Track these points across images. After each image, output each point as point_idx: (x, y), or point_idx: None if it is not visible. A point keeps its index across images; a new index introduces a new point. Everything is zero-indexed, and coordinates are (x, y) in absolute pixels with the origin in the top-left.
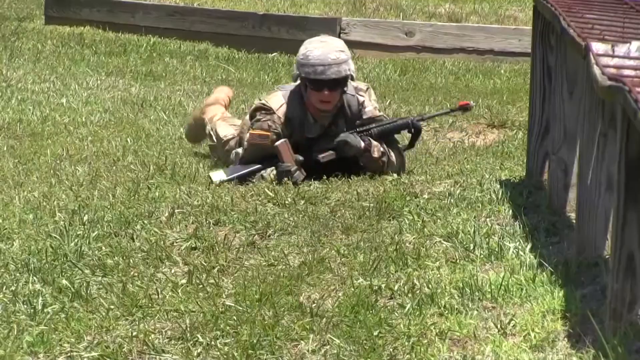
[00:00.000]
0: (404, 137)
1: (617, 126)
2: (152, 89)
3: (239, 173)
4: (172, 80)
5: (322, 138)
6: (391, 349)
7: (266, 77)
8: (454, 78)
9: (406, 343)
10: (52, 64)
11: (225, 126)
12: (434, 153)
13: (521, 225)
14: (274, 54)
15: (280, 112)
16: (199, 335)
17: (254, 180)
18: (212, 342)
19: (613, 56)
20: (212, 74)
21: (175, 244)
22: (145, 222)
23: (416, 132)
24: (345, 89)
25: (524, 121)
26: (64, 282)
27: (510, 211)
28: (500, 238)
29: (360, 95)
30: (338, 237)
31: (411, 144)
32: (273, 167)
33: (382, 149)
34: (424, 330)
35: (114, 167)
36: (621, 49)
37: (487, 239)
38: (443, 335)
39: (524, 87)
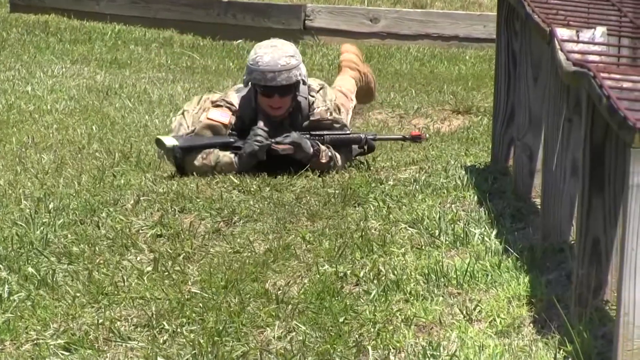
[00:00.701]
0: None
1: (582, 112)
2: (117, 76)
3: (196, 143)
4: (137, 67)
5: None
6: (357, 335)
7: (231, 64)
8: (419, 64)
9: (372, 329)
10: (17, 52)
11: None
12: None
13: (486, 211)
14: (239, 41)
15: (237, 107)
16: (164, 323)
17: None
18: (178, 329)
19: (578, 42)
20: (177, 61)
21: (140, 231)
22: (111, 209)
23: (368, 150)
24: (297, 92)
25: (489, 107)
26: (30, 269)
27: (476, 197)
28: (465, 224)
29: (312, 96)
30: (303, 223)
31: (361, 154)
32: (229, 152)
33: (329, 154)
34: (389, 317)
35: (79, 155)
36: (586, 35)
37: (452, 225)
38: (409, 322)
39: (489, 73)
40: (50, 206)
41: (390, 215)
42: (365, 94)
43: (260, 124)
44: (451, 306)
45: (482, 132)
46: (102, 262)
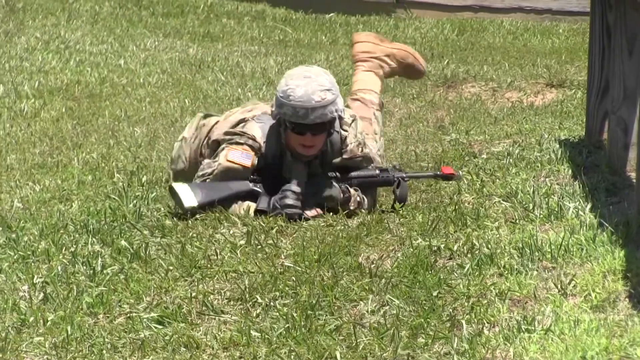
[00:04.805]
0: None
1: None
2: (209, 50)
3: (214, 198)
4: (229, 41)
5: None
6: (451, 310)
7: (323, 37)
8: (512, 38)
9: (466, 303)
10: (110, 26)
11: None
12: (492, 112)
13: (581, 185)
14: (331, 14)
15: (261, 142)
16: (257, 296)
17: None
18: (271, 303)
19: None
20: (269, 34)
21: None
22: None
23: (402, 192)
24: (332, 130)
25: (583, 80)
26: (123, 243)
27: (570, 171)
28: (559, 198)
29: (344, 130)
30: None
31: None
32: (249, 202)
33: (358, 199)
34: (483, 291)
35: (172, 128)
36: None
37: (546, 199)
38: (503, 296)
39: (582, 46)
40: (143, 179)
41: (484, 189)
42: (408, 72)
43: (293, 183)
44: (546, 280)
45: (576, 106)
46: (195, 235)
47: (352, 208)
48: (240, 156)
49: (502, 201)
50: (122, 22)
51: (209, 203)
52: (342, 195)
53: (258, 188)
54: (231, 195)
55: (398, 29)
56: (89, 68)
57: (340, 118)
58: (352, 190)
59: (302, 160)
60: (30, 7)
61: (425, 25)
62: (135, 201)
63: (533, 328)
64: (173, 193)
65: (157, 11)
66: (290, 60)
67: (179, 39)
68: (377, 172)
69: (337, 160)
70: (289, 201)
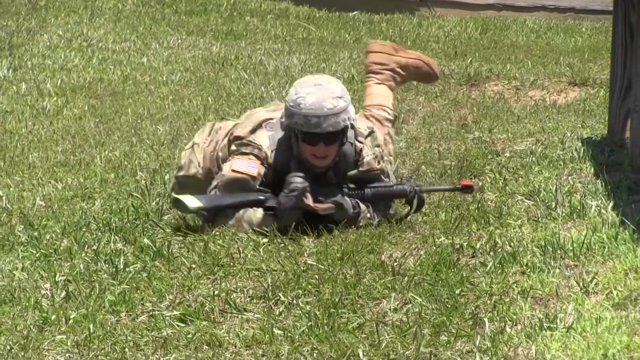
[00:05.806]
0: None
1: None
2: (232, 48)
3: (222, 203)
4: (252, 39)
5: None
6: (473, 308)
7: (347, 35)
8: (535, 36)
9: (488, 301)
10: (133, 23)
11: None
12: (515, 111)
13: (603, 184)
14: (355, 12)
15: (268, 152)
16: (280, 294)
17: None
18: (294, 301)
19: None
20: (292, 32)
21: None
22: None
23: (419, 204)
24: (345, 139)
25: (606, 79)
26: (146, 241)
27: (592, 169)
28: (582, 196)
29: (359, 142)
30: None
31: (408, 214)
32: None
33: (368, 215)
34: (505, 289)
35: (195, 126)
36: None
37: (568, 197)
38: (525, 294)
39: (605, 44)
40: (166, 177)
41: (507, 187)
42: (421, 78)
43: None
44: (568, 278)
45: (599, 104)
46: (217, 233)
47: (361, 224)
48: (246, 165)
49: (524, 199)
50: (145, 20)
51: (213, 208)
52: (351, 210)
53: (262, 196)
54: (238, 204)
55: (421, 27)
56: (112, 66)
57: (353, 127)
58: (362, 206)
59: (315, 172)
60: (53, 5)
61: (449, 23)
62: (157, 199)
63: (555, 326)
64: (177, 203)
65: (180, 9)
66: (313, 58)
67: (202, 37)
68: (392, 183)
69: (353, 172)
70: (294, 185)
